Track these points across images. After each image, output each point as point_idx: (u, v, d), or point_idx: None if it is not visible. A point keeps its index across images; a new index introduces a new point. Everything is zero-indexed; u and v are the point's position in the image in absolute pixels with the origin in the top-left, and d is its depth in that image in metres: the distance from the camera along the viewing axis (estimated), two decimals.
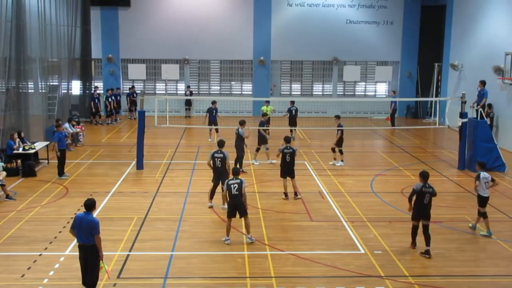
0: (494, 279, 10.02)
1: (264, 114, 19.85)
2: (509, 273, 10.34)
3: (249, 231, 11.45)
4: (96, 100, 27.02)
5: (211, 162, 13.55)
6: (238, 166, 17.05)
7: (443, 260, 10.73)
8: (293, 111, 23.20)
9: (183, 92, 30.61)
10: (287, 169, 14.30)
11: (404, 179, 17.01)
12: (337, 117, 19.11)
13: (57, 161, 16.67)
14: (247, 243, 11.36)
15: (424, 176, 10.87)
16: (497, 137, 20.53)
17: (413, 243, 11.16)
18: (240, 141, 16.94)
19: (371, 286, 9.59)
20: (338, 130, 18.68)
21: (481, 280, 9.94)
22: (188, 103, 29.95)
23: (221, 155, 13.45)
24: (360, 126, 26.77)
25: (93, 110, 27.00)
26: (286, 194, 14.43)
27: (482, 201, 12.11)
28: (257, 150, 18.72)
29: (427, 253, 10.78)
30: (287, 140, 14.50)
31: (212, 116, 22.24)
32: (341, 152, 18.81)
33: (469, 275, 10.11)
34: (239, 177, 11.49)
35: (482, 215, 12.10)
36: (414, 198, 10.91)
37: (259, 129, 18.76)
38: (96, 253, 8.68)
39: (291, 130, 22.73)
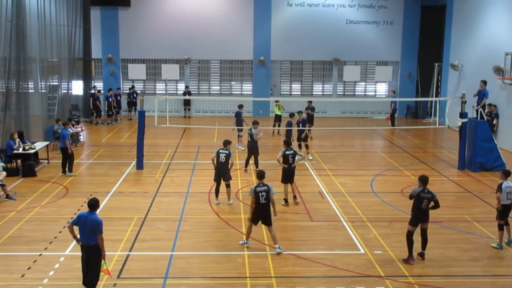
0: (494, 279, 10.03)
1: (292, 115, 19.82)
2: (509, 273, 10.34)
3: (277, 241, 10.96)
4: (98, 100, 27.11)
5: (215, 158, 13.85)
6: (256, 167, 17.32)
7: (443, 260, 10.73)
8: (310, 111, 23.28)
9: (182, 92, 30.62)
10: (289, 173, 13.98)
11: (404, 179, 17.01)
12: (300, 112, 20.12)
13: (61, 160, 16.84)
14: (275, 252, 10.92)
15: (423, 180, 10.43)
16: (497, 137, 20.51)
17: (411, 256, 10.53)
18: (254, 141, 17.22)
19: (371, 286, 9.60)
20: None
21: (481, 280, 9.94)
22: (187, 103, 29.84)
23: (227, 151, 13.90)
24: (360, 126, 26.78)
25: (92, 109, 27.04)
26: (286, 200, 14.10)
27: (505, 210, 11.32)
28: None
29: (421, 255, 10.69)
30: (288, 143, 14.39)
31: (240, 121, 21.32)
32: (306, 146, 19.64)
33: (469, 275, 10.11)
34: (265, 182, 11.05)
35: (500, 227, 11.41)
36: (412, 202, 10.57)
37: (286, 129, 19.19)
38: (98, 253, 8.69)
39: (309, 130, 22.58)
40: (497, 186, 11.38)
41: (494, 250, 11.33)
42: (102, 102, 27.90)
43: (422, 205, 10.39)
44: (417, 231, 10.68)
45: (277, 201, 14.30)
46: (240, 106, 21.80)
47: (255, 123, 17.61)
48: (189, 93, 29.42)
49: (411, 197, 10.56)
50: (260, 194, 10.87)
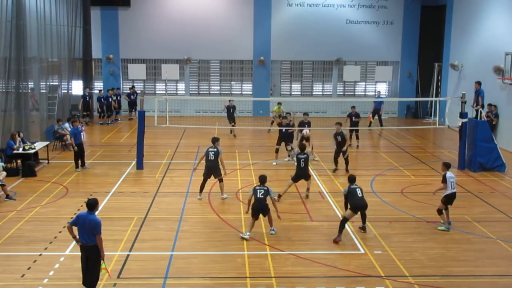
0: (494, 279, 10.02)
1: (305, 114, 19.47)
2: (509, 273, 10.34)
3: (272, 224, 11.89)
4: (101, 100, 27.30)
5: (205, 156, 14.33)
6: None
7: (443, 260, 10.74)
8: (353, 117, 21.74)
9: (182, 92, 30.61)
10: (299, 176, 14.46)
11: (404, 179, 17.01)
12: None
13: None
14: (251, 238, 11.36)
15: (350, 179, 11.92)
16: (497, 137, 20.50)
17: (340, 236, 11.48)
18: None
19: (371, 286, 9.60)
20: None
21: (481, 280, 9.94)
22: (232, 119, 24.29)
23: (215, 149, 14.30)
24: (360, 126, 26.69)
25: (99, 110, 27.21)
26: (280, 195, 14.35)
27: (450, 198, 12.31)
28: (277, 151, 18.72)
29: (363, 228, 12.03)
30: (302, 147, 14.86)
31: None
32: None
33: (469, 275, 10.11)
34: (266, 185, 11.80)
35: (439, 211, 12.34)
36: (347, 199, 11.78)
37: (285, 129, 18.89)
38: (97, 253, 8.68)
39: (350, 136, 21.70)
40: (442, 176, 12.33)
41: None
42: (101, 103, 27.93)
43: (357, 194, 11.61)
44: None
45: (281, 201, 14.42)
46: (305, 114, 19.50)
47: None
48: (234, 108, 24.26)
49: (345, 197, 11.82)
50: (258, 191, 11.59)
